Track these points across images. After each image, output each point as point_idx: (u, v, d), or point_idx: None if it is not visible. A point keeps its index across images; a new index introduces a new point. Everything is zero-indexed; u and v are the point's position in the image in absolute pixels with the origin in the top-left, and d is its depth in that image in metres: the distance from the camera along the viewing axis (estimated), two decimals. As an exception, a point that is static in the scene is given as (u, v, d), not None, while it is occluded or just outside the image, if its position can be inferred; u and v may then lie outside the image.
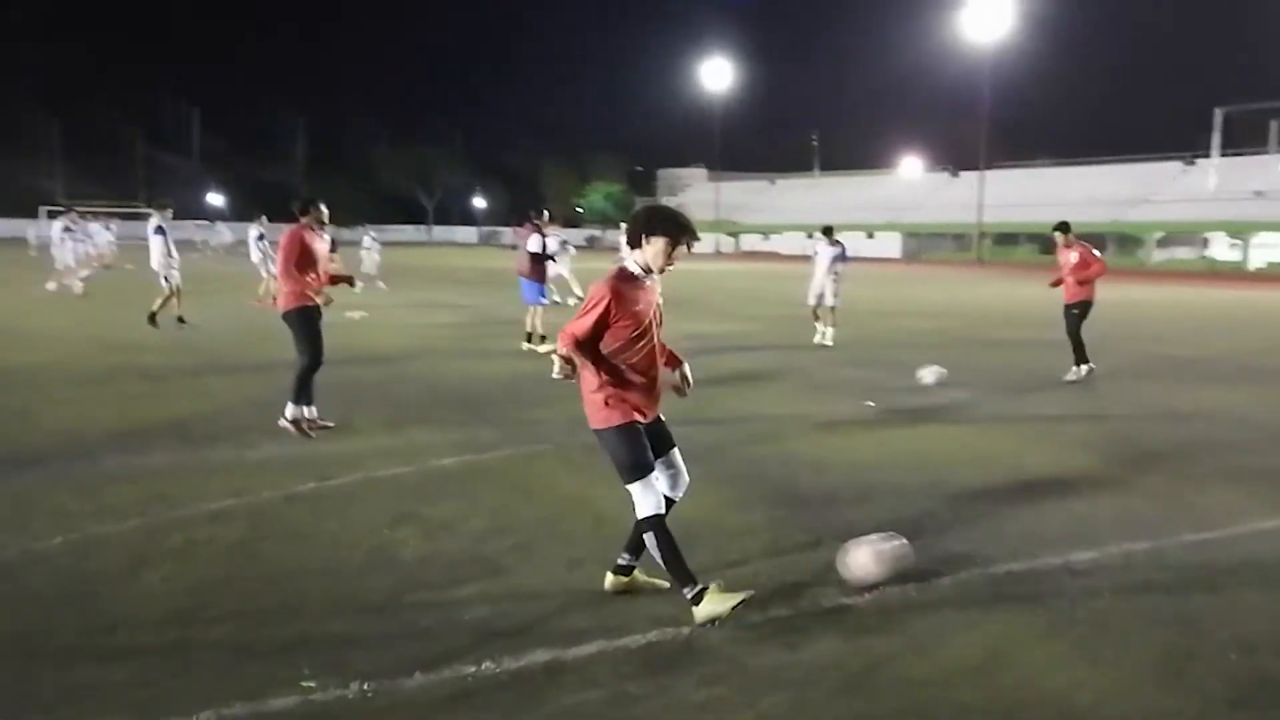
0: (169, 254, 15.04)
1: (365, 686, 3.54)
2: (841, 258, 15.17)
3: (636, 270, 4.28)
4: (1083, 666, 3.86)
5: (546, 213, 14.18)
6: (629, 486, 4.23)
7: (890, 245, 70.67)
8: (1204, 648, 4.05)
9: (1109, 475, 6.97)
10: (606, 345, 4.18)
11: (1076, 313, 11.65)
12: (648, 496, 4.20)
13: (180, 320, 15.30)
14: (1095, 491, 6.49)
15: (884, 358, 13.61)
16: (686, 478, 4.48)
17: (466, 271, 37.74)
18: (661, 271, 4.31)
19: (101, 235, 29.35)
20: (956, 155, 78.07)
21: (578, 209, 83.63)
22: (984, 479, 6.75)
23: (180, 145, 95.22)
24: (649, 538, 4.19)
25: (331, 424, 7.97)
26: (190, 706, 3.35)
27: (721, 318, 19.40)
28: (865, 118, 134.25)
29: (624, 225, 4.55)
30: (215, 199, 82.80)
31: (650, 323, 4.27)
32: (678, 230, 4.26)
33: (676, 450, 4.45)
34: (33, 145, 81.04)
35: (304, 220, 7.88)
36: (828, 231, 15.53)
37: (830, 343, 14.70)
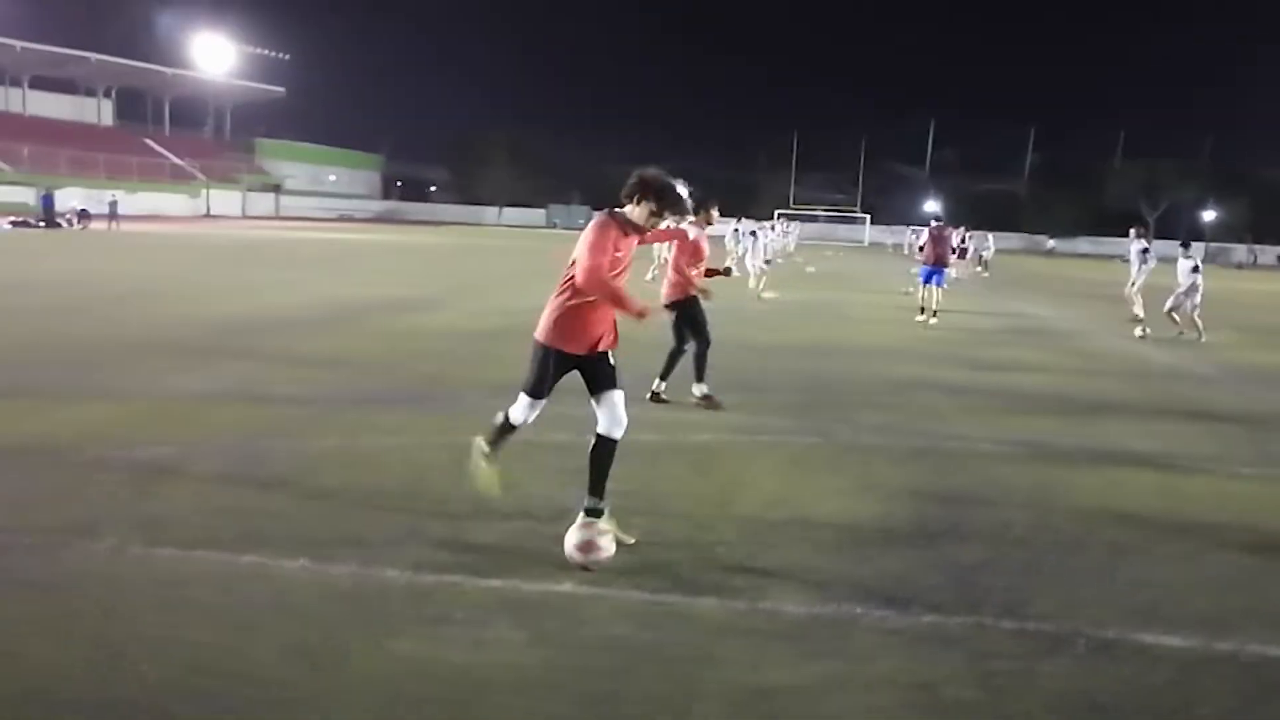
0: (762, 251, 22.33)
1: (351, 569, 4.65)
2: (1143, 255, 14.26)
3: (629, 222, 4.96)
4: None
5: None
6: (521, 394, 5.08)
7: None
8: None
9: None
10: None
11: None
12: (523, 411, 5.12)
13: (760, 298, 20.56)
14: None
15: None
16: (624, 420, 4.93)
17: (1087, 284, 34.14)
18: (642, 232, 5.00)
19: (778, 238, 34.87)
20: None
21: None
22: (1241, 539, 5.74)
23: (912, 156, 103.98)
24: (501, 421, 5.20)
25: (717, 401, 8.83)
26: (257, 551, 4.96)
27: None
28: None
29: None
30: (932, 206, 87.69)
31: (622, 269, 4.98)
32: (659, 202, 4.89)
33: (618, 392, 4.91)
34: (779, 158, 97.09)
35: (695, 218, 8.75)
36: (1141, 224, 14.58)
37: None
